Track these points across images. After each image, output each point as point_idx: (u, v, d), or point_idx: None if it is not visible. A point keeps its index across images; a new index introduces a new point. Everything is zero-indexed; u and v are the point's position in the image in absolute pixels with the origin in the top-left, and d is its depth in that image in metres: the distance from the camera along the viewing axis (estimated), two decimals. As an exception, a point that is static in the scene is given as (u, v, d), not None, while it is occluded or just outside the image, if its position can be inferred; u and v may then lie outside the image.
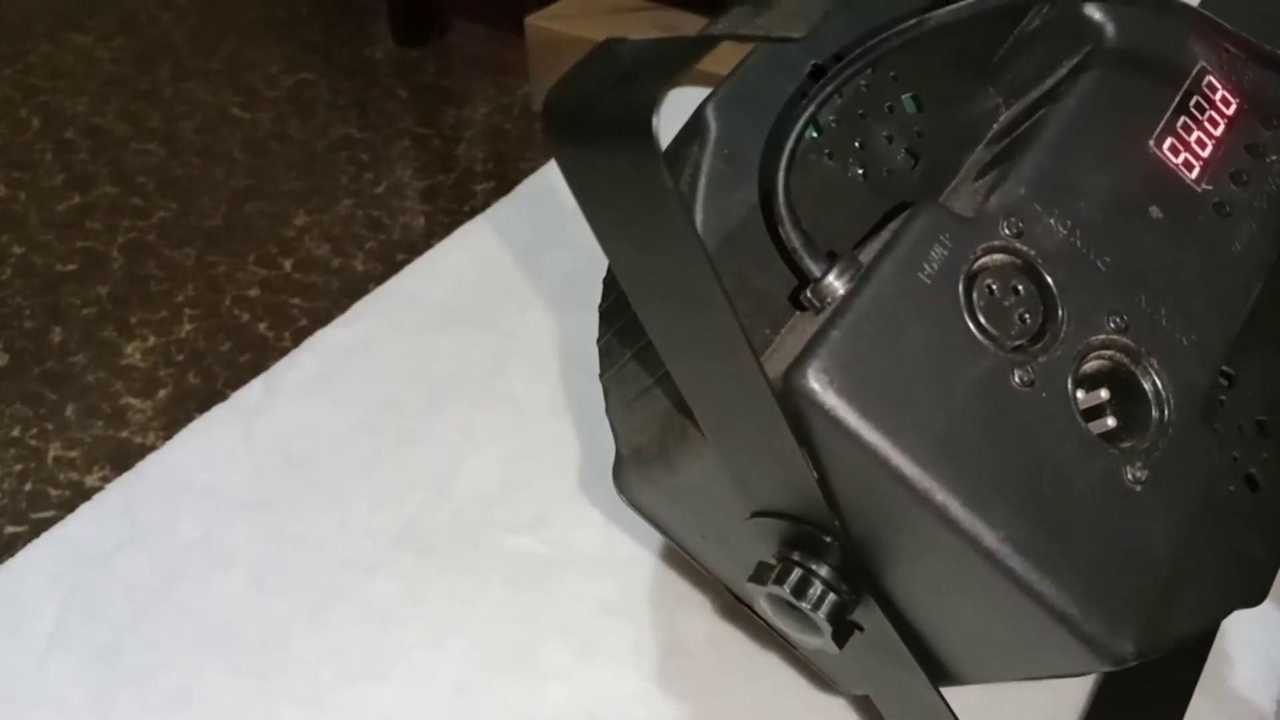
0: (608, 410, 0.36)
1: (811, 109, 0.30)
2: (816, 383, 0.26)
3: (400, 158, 1.74)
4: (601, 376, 0.36)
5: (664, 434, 0.33)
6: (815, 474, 0.28)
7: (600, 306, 0.36)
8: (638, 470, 0.35)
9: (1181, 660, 0.40)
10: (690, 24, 1.68)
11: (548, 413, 0.51)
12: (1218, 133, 0.34)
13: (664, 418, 0.33)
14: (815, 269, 0.29)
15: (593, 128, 0.25)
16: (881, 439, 0.26)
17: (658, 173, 0.23)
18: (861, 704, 0.39)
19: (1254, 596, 0.32)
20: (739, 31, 0.28)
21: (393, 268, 0.63)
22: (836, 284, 0.29)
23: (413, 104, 1.86)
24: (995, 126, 0.34)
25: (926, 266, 0.28)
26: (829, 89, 0.30)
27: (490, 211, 0.64)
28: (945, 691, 0.32)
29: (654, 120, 0.23)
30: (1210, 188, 0.33)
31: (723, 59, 0.33)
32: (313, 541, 0.46)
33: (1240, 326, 0.32)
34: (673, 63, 0.24)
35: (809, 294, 0.29)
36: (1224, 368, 0.33)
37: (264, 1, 2.14)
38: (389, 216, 1.61)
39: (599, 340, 0.36)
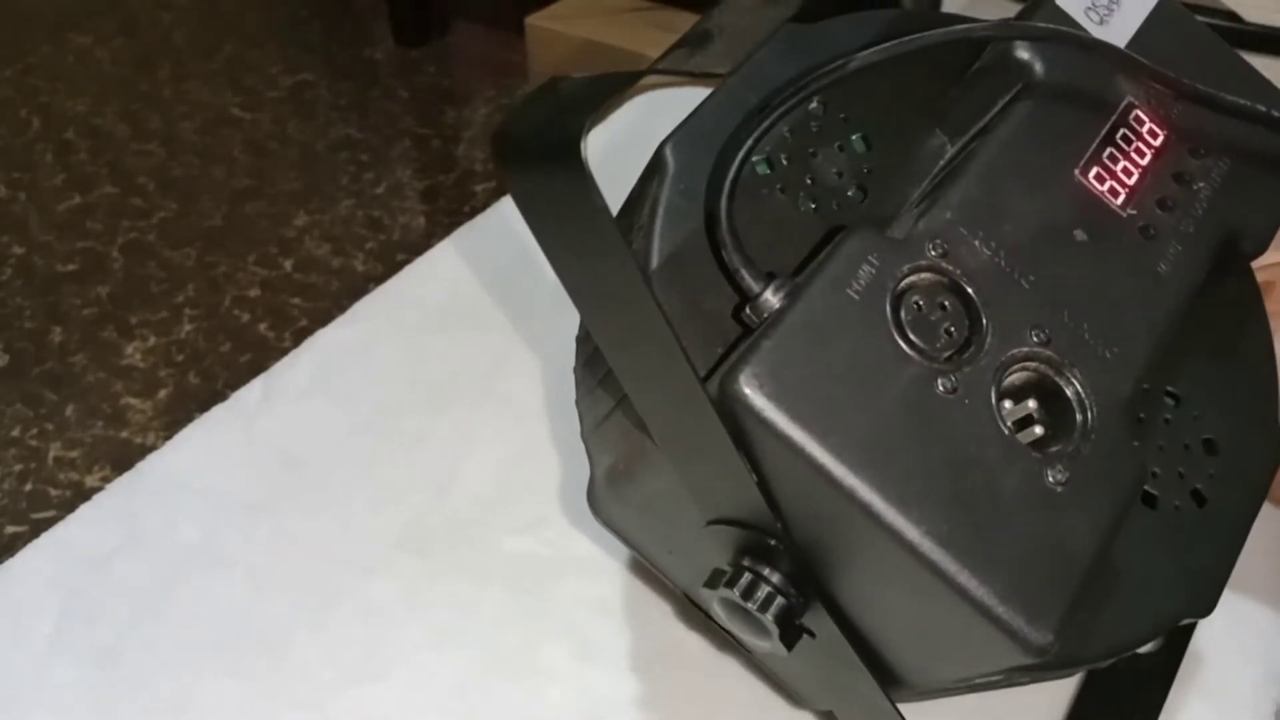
0: (582, 434, 0.37)
1: (750, 142, 0.32)
2: (748, 388, 0.28)
3: (400, 158, 1.74)
4: (577, 404, 0.37)
5: (628, 452, 0.35)
6: (755, 477, 0.29)
7: (577, 336, 0.37)
8: (608, 489, 0.37)
9: (1153, 673, 0.40)
10: (688, 23, 1.68)
11: (547, 414, 0.51)
12: (1144, 162, 0.36)
13: (627, 435, 0.34)
14: (754, 286, 0.31)
15: (533, 154, 0.27)
16: (809, 440, 0.28)
17: (586, 190, 0.26)
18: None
19: (1202, 607, 0.33)
20: (671, 67, 0.30)
21: (393, 268, 0.63)
22: (773, 300, 0.30)
23: (413, 104, 1.86)
24: (941, 163, 0.36)
25: (854, 283, 0.30)
26: (766, 122, 0.32)
27: (490, 212, 0.64)
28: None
29: (582, 144, 0.25)
30: (1135, 213, 0.35)
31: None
32: (312, 543, 0.46)
33: (1167, 341, 0.34)
34: (600, 95, 0.27)
35: (748, 310, 0.31)
36: (1169, 388, 0.35)
37: (264, 2, 2.13)
38: (389, 217, 1.61)
39: (574, 368, 0.37)
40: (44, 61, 1.95)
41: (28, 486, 1.22)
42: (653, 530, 0.37)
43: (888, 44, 0.32)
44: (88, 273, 1.51)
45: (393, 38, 2.00)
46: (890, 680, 0.33)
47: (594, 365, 0.36)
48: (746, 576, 0.31)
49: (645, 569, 0.45)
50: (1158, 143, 0.36)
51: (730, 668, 0.42)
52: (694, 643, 0.43)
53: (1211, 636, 0.42)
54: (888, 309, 0.30)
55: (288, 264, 1.52)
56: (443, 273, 0.60)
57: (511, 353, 0.55)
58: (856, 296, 0.30)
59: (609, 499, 0.37)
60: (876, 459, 0.28)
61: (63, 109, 1.83)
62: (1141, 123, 0.36)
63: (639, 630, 0.43)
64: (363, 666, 0.42)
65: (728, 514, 0.31)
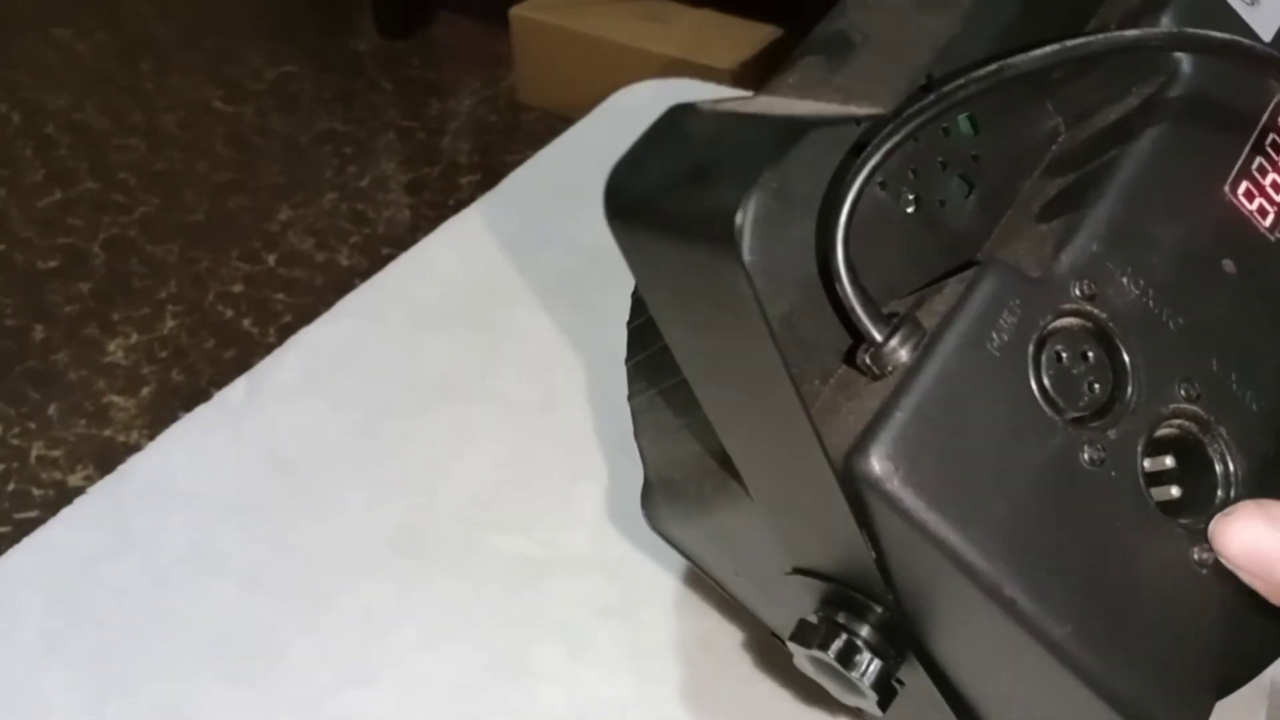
0: (636, 434, 0.36)
1: (876, 158, 0.27)
2: (882, 471, 0.25)
3: (385, 151, 1.73)
4: (630, 399, 0.35)
5: (701, 478, 0.33)
6: (873, 554, 0.27)
7: (629, 324, 0.35)
8: (669, 505, 0.35)
9: None
10: (678, 13, 1.67)
11: (539, 412, 0.51)
12: None
13: (701, 460, 0.32)
14: (875, 333, 0.27)
15: (667, 221, 0.24)
16: (949, 530, 0.25)
17: (738, 278, 0.23)
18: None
19: None
20: (808, 85, 0.26)
21: (377, 262, 0.63)
22: (900, 352, 0.27)
23: (397, 96, 1.85)
24: (1054, 150, 0.33)
25: (995, 337, 0.27)
26: (900, 134, 0.27)
27: (476, 206, 0.64)
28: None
29: (736, 227, 0.22)
30: None
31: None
32: (303, 545, 0.46)
33: None
34: (754, 163, 0.24)
35: (868, 359, 0.27)
36: None
37: (246, -6, 2.12)
38: (373, 210, 1.60)
39: (627, 360, 0.35)
40: (24, 56, 1.93)
41: (10, 486, 1.21)
42: (719, 552, 0.35)
43: (1049, 50, 0.27)
44: (69, 269, 1.49)
45: (376, 29, 1.99)
46: None
47: (660, 368, 0.33)
48: (842, 637, 0.28)
49: (640, 568, 0.45)
50: None
51: (725, 667, 0.41)
52: (690, 642, 0.42)
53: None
54: (1029, 366, 0.27)
55: (271, 259, 1.51)
56: (430, 269, 0.59)
57: (502, 351, 0.54)
58: (997, 353, 0.26)
59: (670, 515, 0.35)
60: (1019, 549, 0.26)
61: (43, 104, 1.81)
62: None
63: (634, 630, 0.43)
64: (356, 668, 0.41)
65: (825, 571, 0.29)
